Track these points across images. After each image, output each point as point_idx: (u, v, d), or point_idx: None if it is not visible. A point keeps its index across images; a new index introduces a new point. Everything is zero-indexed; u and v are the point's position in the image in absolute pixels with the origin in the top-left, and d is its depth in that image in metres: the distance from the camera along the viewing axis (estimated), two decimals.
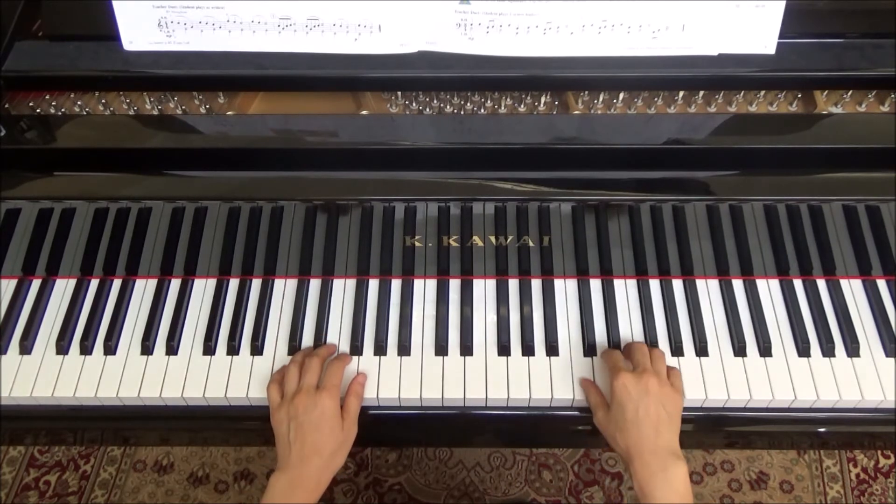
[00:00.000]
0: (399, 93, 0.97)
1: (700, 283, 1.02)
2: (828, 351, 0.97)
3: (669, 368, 0.92)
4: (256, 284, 1.04)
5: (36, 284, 1.04)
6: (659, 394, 0.85)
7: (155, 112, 0.97)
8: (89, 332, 0.99)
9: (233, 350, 0.98)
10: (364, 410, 0.93)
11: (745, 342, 0.97)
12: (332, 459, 0.87)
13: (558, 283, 1.03)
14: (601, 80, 0.94)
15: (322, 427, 0.86)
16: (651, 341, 0.98)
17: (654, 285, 1.02)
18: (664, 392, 0.85)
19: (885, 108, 0.95)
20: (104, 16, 0.90)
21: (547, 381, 0.94)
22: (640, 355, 0.90)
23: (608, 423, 0.87)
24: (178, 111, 0.97)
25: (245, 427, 0.99)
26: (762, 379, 0.94)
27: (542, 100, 0.97)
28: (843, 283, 1.02)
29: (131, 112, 0.96)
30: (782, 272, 1.02)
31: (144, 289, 1.04)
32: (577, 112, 0.95)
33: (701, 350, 0.97)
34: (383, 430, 1.00)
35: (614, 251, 0.99)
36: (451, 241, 0.98)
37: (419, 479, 1.69)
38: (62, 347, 0.98)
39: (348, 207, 0.95)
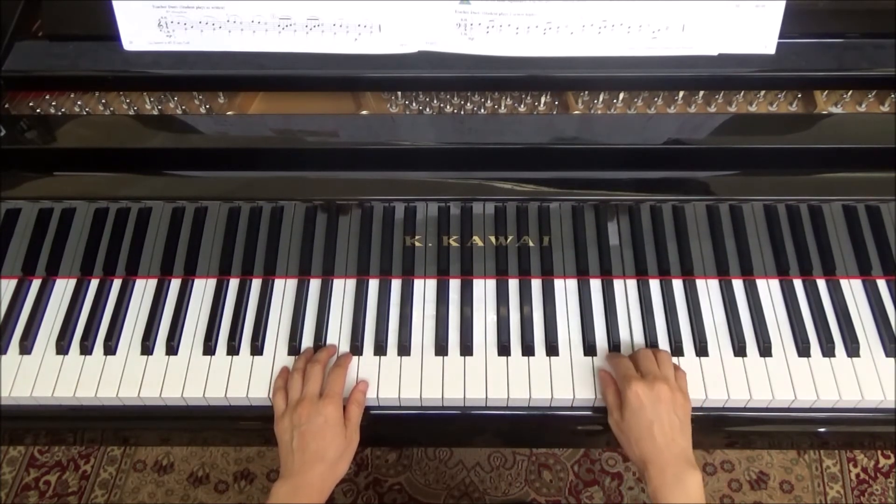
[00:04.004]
0: (399, 93, 0.97)
1: (700, 283, 1.02)
2: (828, 351, 0.97)
3: (676, 369, 0.92)
4: (256, 284, 1.04)
5: (36, 284, 1.04)
6: (671, 400, 0.85)
7: (155, 112, 0.97)
8: (89, 332, 0.99)
9: (233, 350, 0.98)
10: (364, 410, 0.93)
11: (745, 342, 0.97)
12: (335, 467, 0.87)
13: (558, 283, 1.02)
14: (601, 80, 0.94)
15: (325, 434, 0.86)
16: (651, 341, 0.98)
17: (654, 285, 1.02)
18: (675, 398, 0.86)
19: (885, 108, 0.95)
20: (104, 16, 0.90)
21: (547, 381, 0.94)
22: (648, 363, 0.90)
23: (622, 429, 0.87)
24: (178, 111, 0.97)
25: (245, 427, 0.99)
26: (762, 379, 0.94)
27: (542, 100, 0.97)
28: (843, 283, 1.02)
29: (131, 112, 0.96)
30: (782, 272, 1.02)
31: (144, 289, 1.04)
32: (577, 112, 0.95)
33: (701, 350, 0.97)
34: (383, 430, 1.00)
35: (614, 251, 0.99)
36: (451, 241, 0.98)
37: (419, 479, 1.69)
38: (62, 347, 0.98)
39: (348, 207, 0.95)
